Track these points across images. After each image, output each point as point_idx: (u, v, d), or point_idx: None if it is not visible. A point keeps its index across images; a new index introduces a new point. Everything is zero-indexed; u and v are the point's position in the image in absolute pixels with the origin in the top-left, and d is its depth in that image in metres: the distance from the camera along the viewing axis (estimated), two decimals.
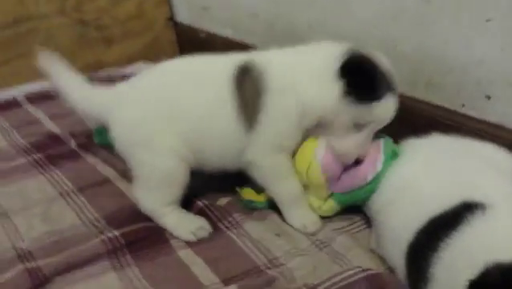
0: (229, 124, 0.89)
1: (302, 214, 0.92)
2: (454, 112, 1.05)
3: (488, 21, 0.95)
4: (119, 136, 0.93)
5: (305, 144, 0.90)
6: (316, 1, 1.29)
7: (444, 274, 0.65)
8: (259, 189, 0.95)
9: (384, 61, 0.87)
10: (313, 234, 0.90)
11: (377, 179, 0.86)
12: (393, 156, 0.88)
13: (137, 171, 0.93)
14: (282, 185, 0.92)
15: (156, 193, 0.92)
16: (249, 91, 0.89)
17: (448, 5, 1.00)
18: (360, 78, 0.84)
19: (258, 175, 0.92)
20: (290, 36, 1.40)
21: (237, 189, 0.98)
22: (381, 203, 0.83)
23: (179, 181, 0.91)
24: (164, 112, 0.90)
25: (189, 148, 0.91)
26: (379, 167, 0.86)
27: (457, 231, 0.66)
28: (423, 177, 0.79)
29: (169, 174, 0.91)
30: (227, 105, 0.89)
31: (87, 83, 1.01)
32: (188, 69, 0.96)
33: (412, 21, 1.08)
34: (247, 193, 0.96)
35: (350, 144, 0.86)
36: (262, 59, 0.91)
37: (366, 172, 0.87)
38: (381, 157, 0.87)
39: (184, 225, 0.91)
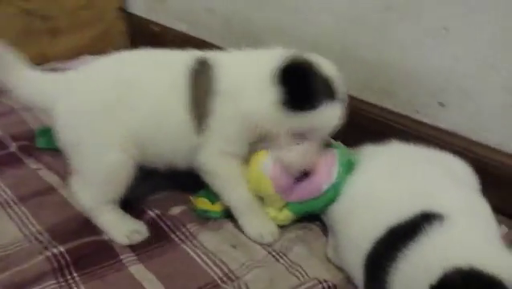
0: (180, 120, 0.86)
1: (259, 224, 0.90)
2: (408, 118, 1.07)
3: (445, 29, 0.96)
4: (64, 126, 0.88)
5: (254, 157, 0.89)
6: (273, 1, 1.26)
7: (402, 284, 0.65)
8: (214, 199, 0.93)
9: (329, 68, 0.86)
10: (269, 245, 0.88)
11: (333, 190, 0.85)
12: (349, 165, 0.87)
13: (78, 164, 0.89)
14: (235, 192, 0.90)
15: (96, 190, 0.88)
16: (201, 89, 0.86)
17: (408, 12, 1.00)
18: (294, 86, 0.82)
19: (210, 180, 0.90)
20: (246, 33, 1.37)
21: (191, 197, 0.95)
22: (339, 212, 0.83)
23: (122, 178, 0.88)
24: (111, 103, 0.86)
25: (137, 143, 0.87)
26: (334, 177, 0.85)
27: (415, 242, 0.66)
28: (381, 186, 0.79)
29: (112, 170, 0.87)
30: (180, 100, 0.86)
31: (31, 68, 0.94)
32: (143, 60, 0.92)
33: (372, 27, 1.07)
34: (201, 203, 0.93)
35: (294, 154, 0.85)
36: (216, 59, 0.89)
37: (320, 182, 0.86)
38: (336, 167, 0.86)
39: (119, 227, 0.88)
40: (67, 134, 0.88)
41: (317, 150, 0.87)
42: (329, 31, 1.16)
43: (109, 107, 0.86)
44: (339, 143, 0.96)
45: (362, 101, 1.12)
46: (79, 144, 0.87)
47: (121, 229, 0.88)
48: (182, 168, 0.93)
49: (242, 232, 0.91)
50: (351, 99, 1.12)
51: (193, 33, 1.55)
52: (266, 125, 0.84)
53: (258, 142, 0.88)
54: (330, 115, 0.84)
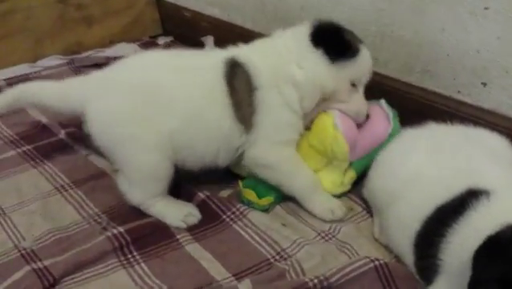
0: (223, 125, 0.88)
1: (326, 201, 0.93)
2: (450, 98, 1.07)
3: (486, 9, 0.96)
4: (98, 129, 0.89)
5: (320, 121, 0.92)
6: None
7: (453, 257, 0.68)
8: (261, 192, 0.94)
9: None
10: (341, 219, 0.91)
11: (393, 133, 0.94)
12: (395, 114, 0.97)
13: (119, 164, 0.92)
14: (297, 180, 0.92)
15: (142, 187, 0.91)
16: (241, 90, 0.88)
17: None
18: (335, 41, 0.89)
19: (266, 174, 0.92)
20: (279, 15, 1.37)
21: (240, 184, 0.96)
22: (386, 194, 0.85)
23: (164, 175, 0.90)
24: (149, 109, 0.86)
25: (175, 146, 0.88)
26: (392, 122, 0.95)
27: (464, 216, 0.69)
28: (427, 167, 0.80)
29: (154, 170, 0.89)
30: (219, 104, 0.88)
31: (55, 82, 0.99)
32: (174, 63, 0.92)
33: (409, 6, 1.07)
34: (248, 194, 0.94)
35: (358, 103, 0.93)
36: (243, 55, 0.91)
37: (383, 129, 0.94)
38: (389, 114, 0.96)
39: (172, 213, 0.91)
40: (103, 137, 0.89)
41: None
42: (364, 11, 1.16)
43: (145, 116, 0.86)
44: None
45: (403, 82, 1.13)
46: (117, 151, 0.89)
47: (175, 214, 0.91)
48: (222, 166, 0.95)
49: (290, 212, 0.94)
50: (392, 80, 1.16)
51: (224, 17, 1.56)
52: (328, 86, 0.89)
53: (321, 106, 0.92)
54: (367, 57, 0.93)
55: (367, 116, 0.94)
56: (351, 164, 0.94)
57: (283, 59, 0.89)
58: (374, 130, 0.94)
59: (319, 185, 0.94)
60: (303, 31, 0.90)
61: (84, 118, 0.91)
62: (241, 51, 0.93)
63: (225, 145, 0.90)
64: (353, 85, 0.92)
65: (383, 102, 0.99)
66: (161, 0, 1.76)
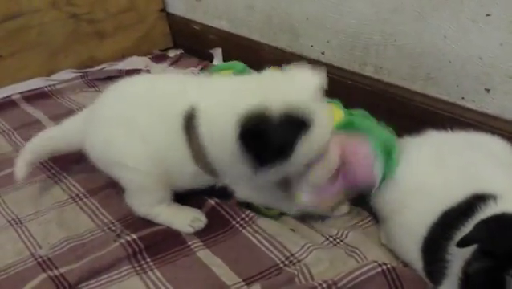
0: (188, 167, 0.90)
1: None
2: (453, 105, 1.09)
3: (488, 16, 0.98)
4: (95, 157, 0.97)
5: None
6: None
7: (461, 257, 0.69)
8: None
9: (298, 90, 0.80)
10: (342, 215, 0.93)
11: (387, 175, 0.87)
12: (389, 152, 0.87)
13: (120, 181, 0.95)
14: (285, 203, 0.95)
15: (144, 199, 0.94)
16: (196, 144, 0.87)
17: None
18: (259, 149, 0.78)
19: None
20: (286, 28, 1.41)
21: None
22: (391, 203, 0.86)
23: (162, 186, 0.93)
24: (130, 136, 0.90)
25: (159, 168, 0.91)
26: (379, 167, 0.86)
27: (473, 219, 0.70)
28: (431, 174, 0.82)
29: (149, 184, 0.92)
30: (180, 150, 0.89)
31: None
32: (147, 98, 0.93)
33: (412, 15, 1.10)
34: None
35: (314, 175, 0.84)
36: (199, 104, 0.86)
37: (365, 178, 0.87)
38: (376, 164, 0.86)
39: (179, 219, 0.94)
40: (100, 164, 0.97)
41: (335, 147, 0.84)
42: (368, 21, 1.19)
43: (127, 142, 0.90)
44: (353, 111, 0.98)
45: (407, 89, 1.15)
46: (112, 172, 0.95)
47: (182, 220, 0.94)
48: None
49: (298, 218, 0.95)
50: (396, 88, 1.18)
51: (232, 30, 1.60)
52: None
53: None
54: (312, 144, 0.79)
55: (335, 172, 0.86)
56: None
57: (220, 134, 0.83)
58: (353, 183, 0.88)
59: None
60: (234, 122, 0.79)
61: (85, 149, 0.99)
62: (199, 96, 0.88)
63: (201, 179, 0.93)
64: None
65: (371, 140, 0.87)
66: (171, 14, 1.81)
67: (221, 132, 0.81)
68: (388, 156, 0.86)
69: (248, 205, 0.97)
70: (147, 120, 0.90)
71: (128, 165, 0.90)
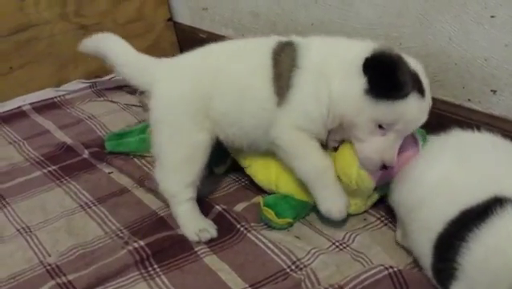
0: (263, 93, 0.91)
1: (329, 199, 0.91)
2: (460, 107, 1.09)
3: (492, 17, 0.97)
4: (156, 108, 0.97)
5: (344, 152, 0.90)
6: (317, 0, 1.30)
7: (472, 263, 0.69)
8: (281, 212, 0.95)
9: (417, 66, 0.87)
10: (336, 220, 0.91)
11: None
12: (424, 137, 0.92)
13: (162, 148, 0.96)
14: (306, 164, 0.91)
15: (176, 172, 0.95)
16: (284, 63, 0.90)
17: (452, 1, 1.03)
18: (381, 74, 0.82)
19: (281, 152, 0.93)
20: (291, 34, 1.41)
21: (260, 199, 0.98)
22: (411, 198, 0.85)
23: (200, 157, 0.95)
24: (201, 91, 0.94)
25: (222, 125, 0.95)
26: (420, 150, 0.90)
27: (488, 224, 0.69)
28: (453, 173, 0.81)
29: (193, 149, 0.94)
30: (264, 75, 0.91)
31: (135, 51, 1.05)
32: (233, 46, 1.02)
33: (416, 18, 1.10)
34: (268, 212, 0.95)
35: (373, 148, 0.85)
36: (302, 40, 0.93)
37: (411, 157, 0.89)
38: (418, 141, 0.91)
39: (191, 224, 0.94)
40: (159, 113, 0.97)
41: (396, 146, 0.86)
42: (373, 26, 1.19)
43: (198, 94, 0.94)
44: None
45: None
46: (167, 123, 0.96)
47: (192, 226, 0.94)
48: (264, 150, 0.98)
49: (305, 225, 0.96)
50: None
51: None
52: (349, 115, 0.85)
53: (340, 133, 0.90)
54: (413, 109, 0.83)
55: (384, 166, 0.86)
56: (375, 188, 0.93)
57: (334, 65, 0.88)
58: (401, 159, 0.89)
59: (329, 181, 0.91)
60: (363, 51, 0.85)
61: (148, 94, 1.00)
62: (304, 39, 0.94)
63: (265, 120, 0.92)
64: (380, 127, 0.85)
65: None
66: (178, 23, 1.83)
67: (339, 63, 0.87)
68: (424, 140, 0.92)
69: (259, 215, 0.97)
70: (230, 66, 0.94)
71: (191, 126, 0.94)
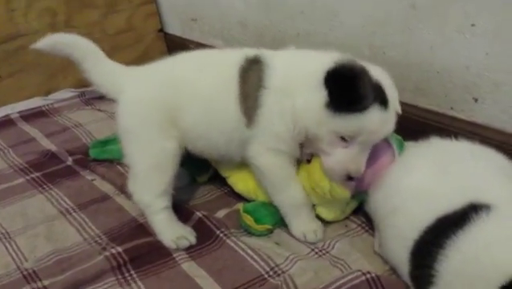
0: (231, 112, 0.90)
1: (302, 223, 0.93)
2: (443, 115, 1.09)
3: (473, 26, 0.98)
4: (123, 116, 0.96)
5: (317, 164, 0.89)
6: (304, 10, 1.31)
7: (450, 270, 0.68)
8: (260, 218, 0.94)
9: (382, 76, 0.86)
10: (313, 243, 0.91)
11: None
12: (400, 145, 0.92)
13: (131, 154, 0.95)
14: (283, 193, 0.92)
15: (148, 182, 0.94)
16: (251, 82, 0.90)
17: (433, 11, 1.04)
18: (340, 88, 0.81)
19: (259, 176, 0.93)
20: (279, 45, 1.41)
21: (240, 207, 0.98)
22: (387, 205, 0.85)
23: (171, 164, 0.94)
24: (169, 97, 0.93)
25: (189, 137, 0.94)
26: (396, 158, 0.90)
27: (465, 231, 0.69)
28: (429, 180, 0.81)
29: (161, 158, 0.93)
30: (231, 92, 0.90)
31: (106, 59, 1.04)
32: (200, 56, 1.00)
33: (399, 27, 1.11)
34: (247, 219, 0.94)
35: (335, 159, 0.85)
36: (269, 56, 0.92)
37: (387, 165, 0.89)
38: (394, 149, 0.91)
39: (168, 231, 0.93)
40: (126, 121, 0.96)
41: (362, 157, 0.86)
42: (357, 35, 1.20)
43: (164, 103, 0.93)
44: None
45: None
46: (134, 132, 0.95)
47: (170, 233, 0.93)
48: (236, 161, 0.97)
49: (285, 231, 0.95)
50: None
51: (228, 48, 1.62)
52: (312, 126, 0.85)
53: (308, 146, 0.90)
54: (374, 121, 0.82)
55: (350, 177, 0.86)
56: (353, 196, 0.93)
57: (298, 79, 0.87)
58: (377, 168, 0.89)
59: (304, 207, 0.93)
60: (326, 64, 0.84)
61: (116, 102, 0.99)
62: (269, 53, 0.93)
63: (235, 138, 0.92)
64: (343, 139, 0.84)
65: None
66: (168, 34, 1.84)
67: (302, 77, 0.86)
68: (401, 147, 0.93)
69: (239, 222, 0.96)
70: (197, 77, 0.93)
71: (158, 133, 0.93)
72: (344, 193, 0.89)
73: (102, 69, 1.02)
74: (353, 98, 0.81)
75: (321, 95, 0.83)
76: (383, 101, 0.83)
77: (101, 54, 1.03)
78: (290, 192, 0.92)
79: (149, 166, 0.94)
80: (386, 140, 0.91)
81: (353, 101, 0.81)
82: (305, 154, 0.92)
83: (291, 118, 0.87)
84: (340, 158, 0.85)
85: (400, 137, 0.95)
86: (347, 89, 0.81)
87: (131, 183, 0.97)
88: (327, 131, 0.84)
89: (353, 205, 0.96)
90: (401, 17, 1.09)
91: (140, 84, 0.97)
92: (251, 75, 0.90)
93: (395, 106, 0.86)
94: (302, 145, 0.90)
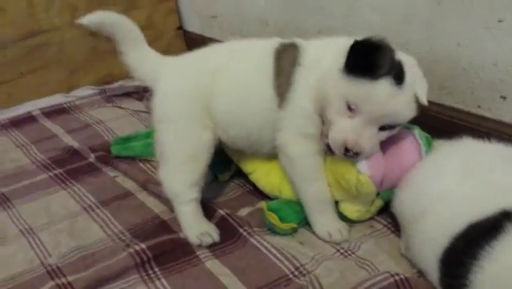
0: (265, 91, 0.91)
1: (327, 222, 0.92)
2: (469, 114, 1.06)
3: (500, 21, 0.96)
4: (159, 106, 0.97)
5: (344, 162, 0.88)
6: (326, 6, 1.30)
7: (485, 282, 0.66)
8: (284, 216, 0.93)
9: (407, 59, 0.85)
10: (338, 243, 0.90)
11: None
12: (429, 142, 0.91)
13: (166, 146, 0.96)
14: (310, 187, 0.91)
15: (181, 171, 0.94)
16: (285, 60, 0.91)
17: (459, 6, 1.01)
18: (359, 54, 0.81)
19: (288, 167, 0.92)
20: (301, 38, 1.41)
21: (263, 204, 0.97)
22: (415, 209, 0.82)
23: (204, 156, 0.95)
24: (204, 89, 0.94)
25: (223, 125, 0.95)
26: (423, 156, 0.89)
27: (499, 240, 0.66)
28: (460, 183, 0.78)
29: (197, 148, 0.94)
30: (265, 72, 0.91)
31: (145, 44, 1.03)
32: (235, 44, 1.01)
33: (424, 23, 1.09)
34: (272, 217, 0.93)
35: (337, 128, 0.84)
36: (304, 42, 0.94)
37: (413, 161, 0.88)
38: (421, 146, 0.90)
39: (194, 226, 0.93)
40: (162, 111, 0.97)
41: (367, 132, 0.83)
42: (379, 31, 1.17)
43: (201, 92, 0.94)
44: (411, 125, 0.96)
45: None
46: (170, 121, 0.96)
47: (194, 229, 0.93)
48: (266, 152, 0.97)
49: (309, 230, 0.94)
50: None
51: None
52: (327, 90, 0.85)
53: (325, 119, 0.88)
54: (385, 93, 0.80)
55: (356, 154, 0.84)
56: (378, 193, 0.92)
57: (326, 53, 0.89)
58: (403, 165, 0.88)
59: (329, 204, 0.92)
60: (351, 40, 0.84)
61: (151, 91, 1.00)
62: (306, 41, 0.95)
63: (268, 121, 0.92)
64: (350, 109, 0.83)
65: (416, 131, 0.93)
66: (188, 32, 1.84)
67: (330, 50, 0.88)
68: (429, 145, 0.91)
69: (263, 220, 0.96)
70: (232, 66, 0.95)
71: (193, 122, 0.94)
72: (370, 187, 0.87)
73: (140, 54, 1.02)
74: (366, 64, 0.80)
75: (341, 62, 0.83)
76: (398, 77, 0.81)
77: (142, 40, 1.03)
78: (318, 185, 0.91)
79: (184, 156, 0.94)
80: (413, 137, 0.90)
81: (365, 67, 0.80)
82: (323, 137, 0.89)
83: (316, 90, 0.87)
84: (342, 127, 0.83)
85: (428, 135, 0.93)
86: (363, 55, 0.81)
87: (162, 171, 0.97)
88: (336, 95, 0.83)
89: (378, 203, 0.94)
90: (426, 13, 1.07)
91: (177, 74, 0.99)
92: (286, 55, 0.92)
93: (418, 93, 0.84)
94: (323, 122, 0.89)
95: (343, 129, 0.83)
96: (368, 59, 0.80)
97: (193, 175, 0.94)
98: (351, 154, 0.84)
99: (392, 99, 0.81)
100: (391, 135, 0.88)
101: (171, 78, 0.98)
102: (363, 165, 0.86)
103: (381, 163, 0.88)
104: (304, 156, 0.91)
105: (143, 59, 1.01)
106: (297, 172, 0.92)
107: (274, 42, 0.95)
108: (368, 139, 0.84)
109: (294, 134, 0.90)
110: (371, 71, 0.80)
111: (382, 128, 0.85)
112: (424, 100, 0.85)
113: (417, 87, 0.84)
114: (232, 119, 0.95)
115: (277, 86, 0.91)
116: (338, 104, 0.84)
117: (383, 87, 0.80)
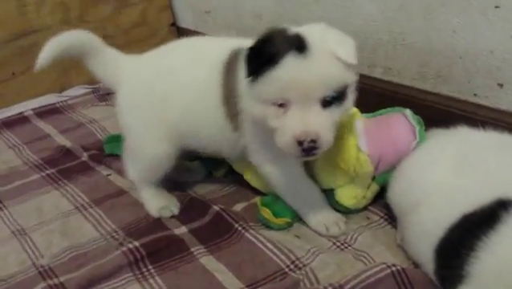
0: (215, 114, 0.87)
1: (323, 215, 0.90)
2: (466, 102, 1.05)
3: (497, 7, 0.94)
4: (118, 112, 0.97)
5: (343, 141, 0.88)
6: None
7: (482, 271, 0.64)
8: (278, 211, 0.92)
9: (316, 31, 0.78)
10: (336, 236, 0.89)
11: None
12: (420, 123, 0.91)
13: (129, 144, 0.98)
14: (296, 195, 0.91)
15: (140, 170, 0.98)
16: (231, 83, 0.85)
17: None
18: (251, 55, 0.75)
19: (269, 181, 0.91)
20: None
21: (258, 199, 0.96)
22: (410, 200, 0.81)
23: (162, 166, 0.95)
24: (159, 93, 0.90)
25: (180, 134, 0.92)
26: (417, 136, 0.88)
27: (494, 229, 0.65)
28: (455, 173, 0.76)
29: (155, 160, 0.94)
30: (213, 94, 0.86)
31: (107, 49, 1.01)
32: (186, 51, 0.94)
33: (419, 12, 1.07)
34: (265, 212, 0.93)
35: (281, 131, 0.76)
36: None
37: (407, 143, 0.87)
38: (414, 126, 0.89)
39: (153, 202, 0.98)
40: (123, 117, 0.96)
41: (308, 115, 0.75)
42: (375, 21, 1.16)
43: (156, 98, 0.91)
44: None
45: (417, 89, 1.11)
46: (130, 129, 0.96)
47: (154, 204, 0.98)
48: (238, 157, 0.95)
49: (305, 224, 0.92)
50: (406, 88, 1.14)
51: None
52: (246, 107, 0.81)
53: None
54: (293, 68, 0.73)
55: (313, 142, 0.75)
56: (373, 178, 0.91)
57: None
58: (397, 145, 0.88)
59: (320, 200, 0.91)
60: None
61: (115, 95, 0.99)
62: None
63: (225, 138, 0.89)
64: (280, 106, 0.76)
65: (408, 112, 0.93)
66: (181, 28, 1.82)
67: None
68: (421, 126, 0.91)
69: (257, 215, 0.94)
70: (185, 73, 0.90)
71: (154, 132, 0.92)
72: (368, 166, 0.88)
73: (101, 59, 0.99)
74: (262, 57, 0.74)
75: (243, 74, 0.78)
76: (299, 47, 0.74)
77: (98, 43, 1.00)
78: (302, 192, 0.90)
79: (142, 165, 0.97)
80: (405, 118, 0.90)
81: (262, 60, 0.74)
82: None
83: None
84: (284, 125, 0.76)
85: (418, 116, 0.93)
86: (256, 54, 0.75)
87: (126, 156, 1.00)
88: (258, 104, 0.77)
89: (374, 188, 0.92)
90: (421, 0, 1.05)
91: (133, 79, 0.95)
92: (232, 74, 0.85)
93: (337, 52, 0.76)
94: None
95: (286, 127, 0.76)
96: (261, 54, 0.75)
97: (150, 177, 0.98)
98: (308, 146, 0.75)
99: (303, 69, 0.74)
100: (345, 109, 0.79)
101: (127, 85, 0.95)
102: (362, 142, 0.87)
103: (377, 144, 0.88)
104: (282, 173, 0.89)
105: (104, 63, 0.99)
106: (278, 186, 0.91)
107: (223, 54, 0.87)
108: (315, 121, 0.75)
109: (263, 159, 0.89)
110: (268, 59, 0.74)
111: (327, 105, 0.76)
112: (347, 58, 0.76)
113: (334, 46, 0.76)
114: (185, 129, 0.91)
115: (226, 113, 0.87)
116: (267, 112, 0.77)
117: (289, 64, 0.73)
